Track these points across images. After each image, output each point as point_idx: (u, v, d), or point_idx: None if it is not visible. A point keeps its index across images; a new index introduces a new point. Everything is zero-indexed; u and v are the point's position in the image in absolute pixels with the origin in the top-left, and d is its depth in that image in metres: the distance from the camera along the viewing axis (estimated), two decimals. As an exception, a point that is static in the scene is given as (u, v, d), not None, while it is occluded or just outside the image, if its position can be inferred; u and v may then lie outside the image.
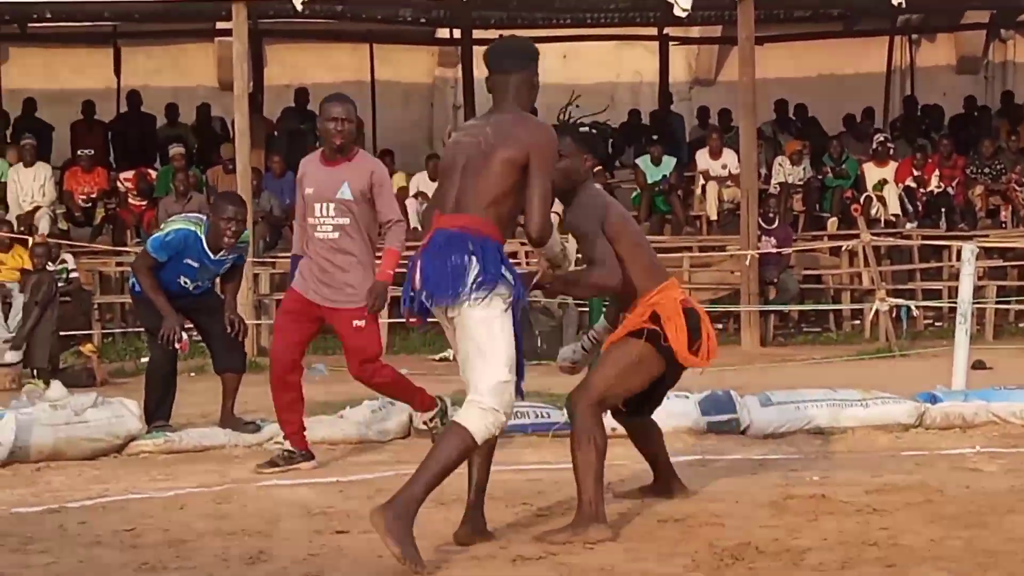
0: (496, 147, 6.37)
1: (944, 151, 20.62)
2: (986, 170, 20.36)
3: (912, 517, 7.20)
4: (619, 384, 7.05)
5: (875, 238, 18.04)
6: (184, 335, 9.70)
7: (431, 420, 9.16)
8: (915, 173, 20.27)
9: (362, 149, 9.19)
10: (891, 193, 19.96)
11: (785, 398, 10.21)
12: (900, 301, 17.20)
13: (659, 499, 7.62)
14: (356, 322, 8.76)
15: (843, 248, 18.71)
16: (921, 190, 20.21)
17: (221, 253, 9.69)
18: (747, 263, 17.14)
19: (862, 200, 19.82)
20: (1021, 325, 18.69)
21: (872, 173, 20.29)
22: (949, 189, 20.21)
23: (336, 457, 9.41)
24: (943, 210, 20.09)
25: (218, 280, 10.18)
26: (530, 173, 6.33)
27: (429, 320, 6.61)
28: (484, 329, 6.28)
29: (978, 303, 15.62)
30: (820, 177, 20.55)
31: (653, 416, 7.68)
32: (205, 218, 9.88)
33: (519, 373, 6.47)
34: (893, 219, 19.86)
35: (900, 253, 19.45)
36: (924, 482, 8.09)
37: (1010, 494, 7.82)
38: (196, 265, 9.69)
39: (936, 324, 18.47)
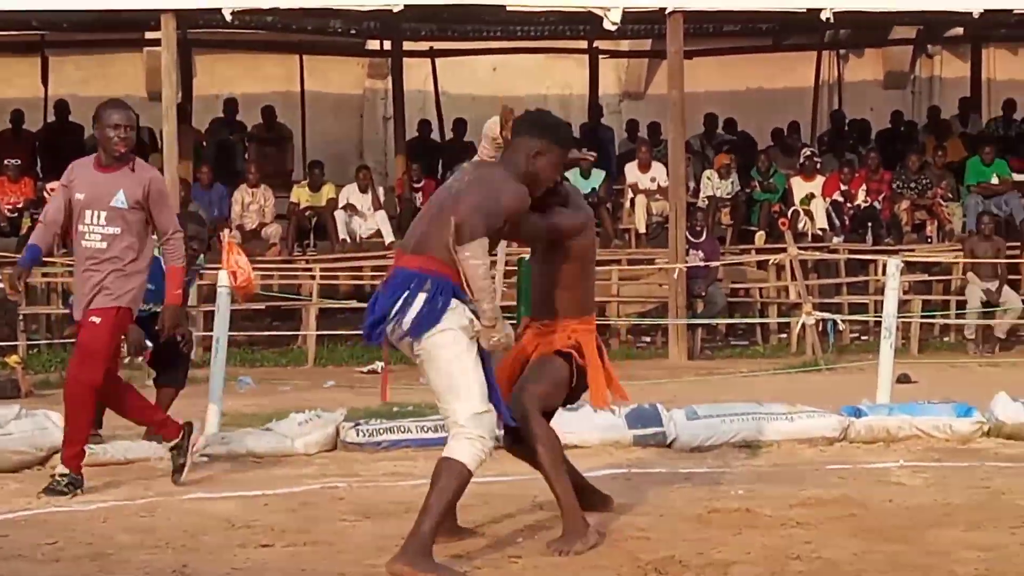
0: (465, 193, 6.53)
1: (871, 166, 20.72)
2: (912, 185, 20.48)
3: (835, 531, 7.24)
4: (551, 397, 7.11)
5: (802, 252, 18.16)
6: (148, 343, 9.62)
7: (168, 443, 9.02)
8: (842, 187, 20.37)
9: (140, 159, 8.87)
10: (818, 207, 20.05)
11: (711, 411, 10.24)
12: (826, 315, 17.31)
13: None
14: (93, 318, 8.47)
15: (770, 262, 18.76)
16: (848, 204, 20.31)
17: None
18: (675, 276, 17.21)
19: (789, 214, 19.89)
20: (946, 339, 18.81)
21: (799, 187, 20.37)
22: (876, 204, 20.32)
23: (261, 470, 9.36)
24: (869, 224, 20.19)
25: None
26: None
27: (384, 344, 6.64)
28: (453, 366, 6.40)
29: (903, 317, 15.75)
30: (748, 191, 20.63)
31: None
32: None
33: (494, 399, 6.54)
34: (820, 233, 19.94)
35: (827, 267, 19.53)
36: (848, 496, 8.14)
37: (933, 508, 7.88)
38: (153, 288, 9.55)
39: (862, 338, 18.60)
